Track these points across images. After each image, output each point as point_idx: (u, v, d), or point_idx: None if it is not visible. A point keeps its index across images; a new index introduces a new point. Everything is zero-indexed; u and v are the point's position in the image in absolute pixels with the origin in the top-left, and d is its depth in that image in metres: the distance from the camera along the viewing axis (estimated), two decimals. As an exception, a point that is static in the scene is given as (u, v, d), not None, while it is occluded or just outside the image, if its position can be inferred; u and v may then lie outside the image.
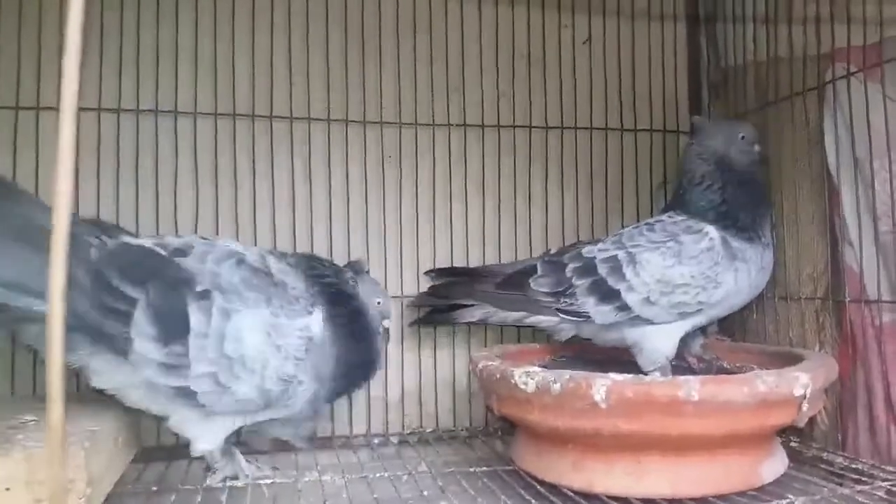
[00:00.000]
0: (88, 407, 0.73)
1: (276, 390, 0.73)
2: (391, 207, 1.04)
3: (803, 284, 0.93)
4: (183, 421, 0.75)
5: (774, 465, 0.73)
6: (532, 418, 0.72)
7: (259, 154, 1.00)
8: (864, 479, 0.75)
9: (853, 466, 0.79)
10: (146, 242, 0.74)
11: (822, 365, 0.73)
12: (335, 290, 0.81)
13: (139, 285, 0.69)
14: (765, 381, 0.65)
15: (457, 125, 1.07)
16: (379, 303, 0.86)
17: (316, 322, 0.75)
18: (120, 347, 0.68)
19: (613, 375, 0.66)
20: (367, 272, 0.89)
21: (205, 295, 0.70)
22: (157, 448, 0.90)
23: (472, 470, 0.81)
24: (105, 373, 0.72)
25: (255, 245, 0.97)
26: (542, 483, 0.74)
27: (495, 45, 1.09)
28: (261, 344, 0.71)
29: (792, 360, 0.76)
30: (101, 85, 0.94)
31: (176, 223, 0.95)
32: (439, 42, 1.06)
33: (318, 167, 1.02)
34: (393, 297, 1.00)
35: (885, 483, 0.73)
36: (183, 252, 0.73)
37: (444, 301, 0.97)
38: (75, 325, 0.66)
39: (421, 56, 1.06)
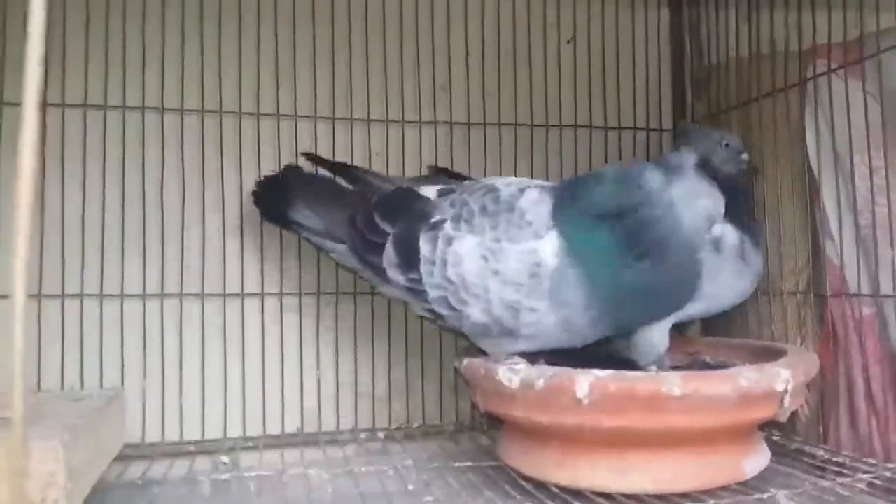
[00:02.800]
0: (73, 402, 0.73)
1: (504, 316, 0.72)
2: (378, 204, 1.03)
3: (785, 279, 0.94)
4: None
5: (757, 459, 0.73)
6: (516, 415, 0.72)
7: (246, 151, 0.99)
8: (845, 471, 0.76)
9: (835, 459, 0.79)
10: (424, 189, 0.82)
11: (803, 360, 0.74)
12: (605, 204, 0.71)
13: (393, 222, 0.78)
14: (746, 377, 0.66)
15: (443, 123, 1.07)
16: (707, 210, 0.73)
17: (548, 246, 0.71)
18: (382, 277, 0.80)
19: (596, 371, 0.66)
20: (697, 166, 0.73)
21: (437, 225, 0.76)
22: (141, 445, 0.90)
23: (457, 465, 0.82)
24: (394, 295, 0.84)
25: (241, 241, 0.99)
26: (527, 479, 0.74)
27: (481, 43, 1.09)
28: (478, 268, 0.72)
29: (773, 355, 0.77)
30: (86, 82, 0.93)
31: (162, 218, 0.96)
32: (426, 40, 1.06)
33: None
34: (378, 293, 1.01)
35: (867, 475, 0.73)
36: (452, 190, 0.80)
37: None
38: (357, 259, 0.81)
39: (408, 54, 1.06)
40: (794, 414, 0.86)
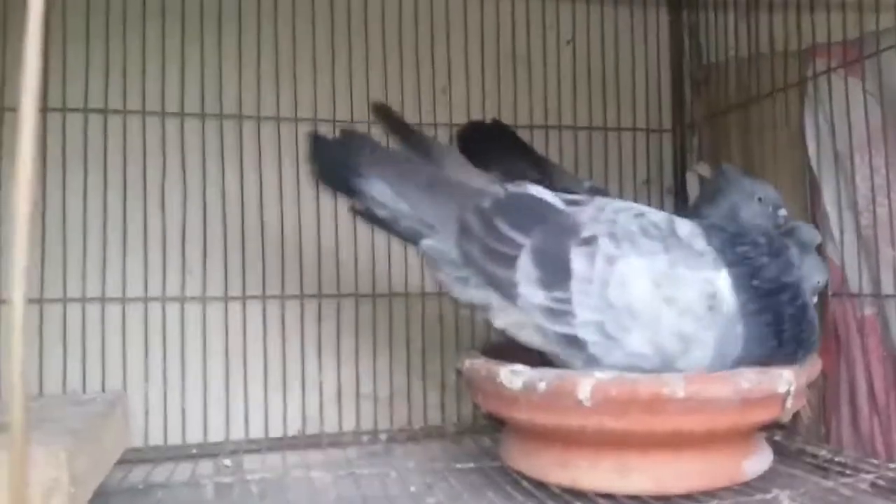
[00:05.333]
0: (76, 407, 0.73)
1: (672, 348, 0.66)
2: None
3: (786, 280, 0.94)
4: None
5: (759, 460, 0.73)
6: (518, 416, 0.72)
7: (247, 154, 1.00)
8: (847, 471, 0.75)
9: (837, 459, 0.79)
10: (542, 193, 0.73)
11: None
12: (757, 259, 0.69)
13: (525, 231, 0.69)
14: (748, 379, 0.66)
15: (444, 125, 1.07)
16: (818, 282, 0.79)
17: (723, 279, 0.66)
18: (507, 292, 0.70)
19: (598, 374, 0.66)
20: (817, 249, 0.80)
21: (590, 241, 0.68)
22: (143, 448, 0.90)
23: (459, 467, 0.82)
24: (502, 312, 0.72)
25: (242, 244, 0.99)
26: (529, 480, 0.74)
27: (481, 45, 1.09)
28: (648, 294, 0.66)
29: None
30: (87, 86, 0.94)
31: (164, 223, 0.96)
32: (425, 43, 1.07)
33: (306, 167, 1.01)
34: (379, 295, 1.02)
35: (869, 475, 0.73)
36: (578, 203, 0.72)
37: None
38: (471, 266, 0.71)
39: (407, 57, 1.06)
40: (796, 414, 0.86)
